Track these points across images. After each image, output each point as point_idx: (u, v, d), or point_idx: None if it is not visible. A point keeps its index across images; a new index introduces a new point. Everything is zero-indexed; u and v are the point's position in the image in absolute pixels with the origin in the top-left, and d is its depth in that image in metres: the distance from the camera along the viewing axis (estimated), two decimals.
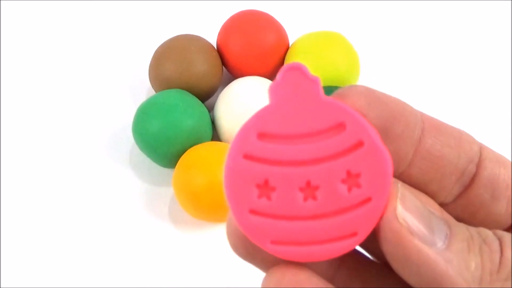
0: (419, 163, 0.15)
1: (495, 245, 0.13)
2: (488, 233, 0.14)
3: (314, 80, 0.14)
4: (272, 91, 0.14)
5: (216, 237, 0.34)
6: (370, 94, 0.14)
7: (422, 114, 0.15)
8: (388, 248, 0.13)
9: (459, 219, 0.15)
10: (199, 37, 0.37)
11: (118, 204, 0.35)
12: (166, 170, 0.36)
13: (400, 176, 0.15)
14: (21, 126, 0.38)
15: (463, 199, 0.15)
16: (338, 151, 0.13)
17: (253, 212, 0.14)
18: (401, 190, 0.13)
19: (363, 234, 0.13)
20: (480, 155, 0.15)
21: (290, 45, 0.39)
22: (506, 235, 0.13)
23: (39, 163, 0.37)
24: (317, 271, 0.14)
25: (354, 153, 0.13)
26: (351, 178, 0.13)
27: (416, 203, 0.13)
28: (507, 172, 0.15)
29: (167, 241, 0.34)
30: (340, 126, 0.14)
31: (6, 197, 0.35)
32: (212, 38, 0.38)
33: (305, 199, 0.14)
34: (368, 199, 0.13)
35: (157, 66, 0.36)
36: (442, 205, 0.15)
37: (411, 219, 0.13)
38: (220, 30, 0.38)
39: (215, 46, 0.38)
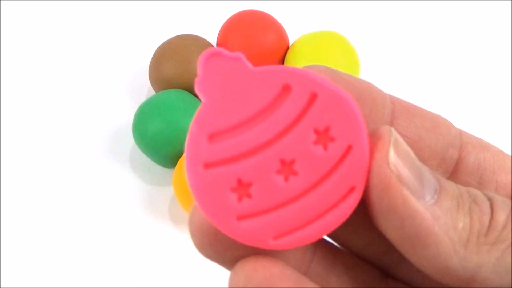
0: None
1: (486, 206, 0.12)
2: (477, 192, 0.13)
3: (236, 58, 0.12)
4: (200, 88, 0.13)
5: None
6: (332, 73, 0.13)
7: (391, 96, 0.14)
8: (373, 196, 0.12)
9: None
10: (199, 37, 0.37)
11: (118, 204, 0.35)
12: (166, 170, 0.36)
13: None
14: (21, 126, 0.38)
15: None
16: (296, 114, 0.12)
17: (240, 218, 0.12)
18: (395, 135, 0.12)
19: (361, 185, 0.12)
20: (461, 140, 0.14)
21: (290, 45, 0.39)
22: (497, 197, 0.13)
23: (39, 163, 0.37)
24: (290, 264, 0.13)
25: (312, 108, 0.12)
26: (322, 135, 0.12)
27: (408, 151, 0.12)
28: (492, 156, 0.14)
29: (167, 241, 0.34)
30: (285, 89, 0.12)
31: (6, 197, 0.35)
32: (212, 38, 0.38)
33: (286, 179, 0.12)
34: (349, 148, 0.12)
35: (157, 66, 0.36)
36: None
37: (402, 167, 0.12)
38: (220, 30, 0.38)
39: (215, 46, 0.38)
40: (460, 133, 0.15)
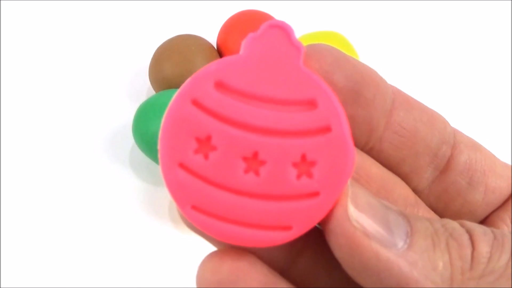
0: (391, 137, 0.13)
1: (465, 239, 0.11)
2: (454, 225, 0.12)
3: (297, 46, 0.12)
4: (247, 43, 0.12)
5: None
6: (337, 53, 0.13)
7: (391, 86, 0.14)
8: (342, 255, 0.11)
9: (433, 209, 0.14)
10: (199, 37, 0.37)
11: (118, 204, 0.35)
12: None
13: (370, 151, 0.14)
14: (21, 126, 0.38)
15: (438, 186, 0.14)
16: (300, 130, 0.12)
17: (183, 166, 0.12)
18: (352, 188, 0.12)
19: (298, 231, 0.12)
20: (455, 138, 0.14)
21: None
22: (476, 227, 0.12)
23: (39, 163, 0.37)
24: (270, 255, 0.13)
25: (317, 137, 0.12)
26: (304, 165, 0.12)
27: (369, 200, 0.12)
28: (483, 157, 0.14)
29: (167, 241, 0.34)
30: (310, 103, 0.12)
31: (6, 197, 0.35)
32: (212, 38, 0.38)
33: (246, 171, 0.12)
34: (316, 194, 0.11)
35: (157, 66, 0.36)
36: (416, 192, 0.14)
37: (365, 220, 0.11)
38: (220, 30, 0.38)
39: (215, 46, 0.38)
40: (454, 131, 0.14)
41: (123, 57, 0.41)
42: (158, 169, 0.36)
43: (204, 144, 0.12)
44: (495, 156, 0.14)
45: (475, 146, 0.14)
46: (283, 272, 0.13)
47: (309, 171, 0.12)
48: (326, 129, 0.12)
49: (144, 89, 0.40)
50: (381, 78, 0.13)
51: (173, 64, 0.35)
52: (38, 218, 0.35)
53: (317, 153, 0.11)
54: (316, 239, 0.14)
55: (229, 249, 0.12)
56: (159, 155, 0.12)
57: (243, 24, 0.37)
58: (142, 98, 0.39)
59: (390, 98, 0.13)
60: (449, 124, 0.14)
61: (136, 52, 0.41)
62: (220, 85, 0.12)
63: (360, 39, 0.40)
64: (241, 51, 0.12)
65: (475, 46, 0.42)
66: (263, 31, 0.12)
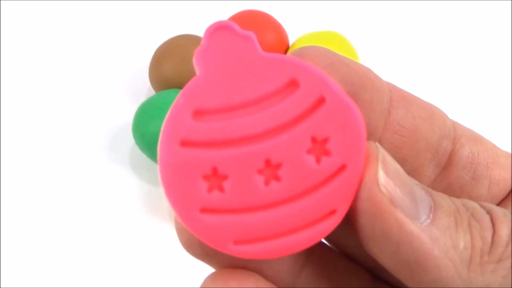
0: (391, 138, 0.13)
1: (486, 220, 0.11)
2: (474, 205, 0.11)
3: (247, 37, 0.11)
4: (200, 59, 0.11)
5: None
6: (332, 55, 0.12)
7: (387, 83, 0.13)
8: (364, 221, 0.11)
9: None
10: (199, 37, 0.37)
11: (118, 204, 0.35)
12: None
13: None
14: (21, 126, 0.38)
15: (442, 183, 0.14)
16: (296, 115, 0.11)
17: (205, 210, 0.11)
18: (382, 152, 0.11)
19: (343, 210, 0.11)
20: (455, 131, 0.14)
21: (290, 45, 0.38)
22: (496, 209, 0.11)
23: (39, 163, 0.37)
24: (277, 273, 0.13)
25: (316, 113, 0.11)
26: (318, 145, 0.11)
27: (397, 169, 0.11)
28: (485, 150, 0.14)
29: (167, 241, 0.34)
30: (292, 84, 0.11)
31: (6, 196, 0.35)
32: None
33: (267, 182, 0.11)
34: (343, 167, 0.11)
35: (157, 66, 0.36)
36: None
37: (393, 187, 0.11)
38: None
39: None
40: (454, 124, 0.14)
41: (123, 57, 0.41)
42: (158, 169, 0.36)
43: (214, 178, 0.11)
44: (496, 147, 0.14)
45: (476, 139, 0.14)
46: None
47: (325, 149, 0.11)
48: (320, 101, 0.11)
49: (144, 89, 0.40)
50: (376, 76, 0.13)
51: (173, 64, 0.35)
52: (38, 218, 0.35)
53: (324, 129, 0.11)
54: (318, 253, 0.14)
55: (232, 270, 0.12)
56: (174, 211, 0.11)
57: (243, 24, 0.37)
58: (142, 98, 0.39)
59: (387, 97, 0.13)
60: (448, 117, 0.14)
61: (136, 52, 0.41)
62: (199, 114, 0.11)
63: (360, 39, 0.40)
64: (197, 71, 0.11)
65: (475, 46, 0.42)
66: (207, 39, 0.11)
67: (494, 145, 0.14)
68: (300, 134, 0.11)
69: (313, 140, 0.11)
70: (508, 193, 0.14)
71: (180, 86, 0.35)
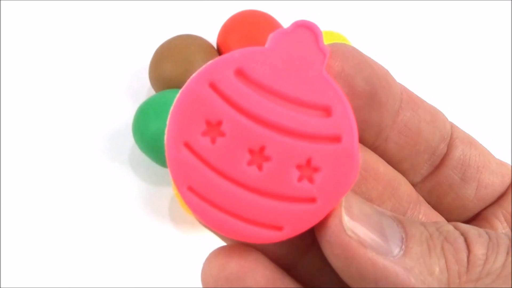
0: (396, 137, 0.14)
1: (460, 242, 0.11)
2: (449, 228, 0.12)
3: (323, 51, 0.12)
4: (274, 38, 0.12)
5: (216, 237, 0.33)
6: (359, 56, 0.13)
7: (400, 85, 0.14)
8: (338, 264, 0.12)
9: None
10: (199, 37, 0.37)
11: (118, 204, 0.35)
12: (166, 170, 0.36)
13: (375, 150, 0.14)
14: (21, 126, 0.38)
15: (432, 180, 0.14)
16: (310, 134, 0.12)
17: (187, 146, 0.12)
18: (345, 198, 0.12)
19: (288, 233, 0.12)
20: (451, 134, 0.14)
21: None
22: (471, 230, 0.12)
23: (39, 163, 0.37)
24: (276, 253, 0.13)
25: (326, 145, 0.12)
26: (308, 169, 0.12)
27: (363, 208, 0.12)
28: (478, 153, 0.14)
29: (167, 241, 0.34)
30: (325, 110, 0.12)
31: (6, 196, 0.35)
32: (212, 38, 0.38)
33: (250, 164, 0.12)
34: (313, 200, 0.12)
35: (157, 66, 0.36)
36: (411, 183, 0.14)
37: (360, 229, 0.11)
38: (220, 30, 0.38)
39: (215, 46, 0.38)
40: (452, 126, 0.14)
41: (123, 57, 0.41)
42: (158, 169, 0.36)
43: (214, 128, 0.12)
44: (490, 153, 0.15)
45: (471, 142, 0.14)
46: (289, 269, 0.13)
47: (311, 176, 0.12)
48: (337, 139, 0.12)
49: (144, 89, 0.40)
50: (392, 78, 0.13)
51: (173, 64, 0.35)
52: (38, 218, 0.35)
53: (323, 160, 0.11)
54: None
55: (235, 245, 0.12)
56: (166, 131, 0.12)
57: (243, 24, 0.37)
58: (142, 98, 0.39)
59: (399, 99, 0.13)
60: (448, 120, 0.14)
61: (136, 52, 0.41)
62: (240, 74, 0.12)
63: (360, 39, 0.40)
64: (267, 44, 0.12)
65: (475, 45, 0.42)
66: (292, 28, 0.12)
67: (489, 152, 0.15)
68: (302, 148, 0.12)
69: (308, 161, 0.12)
70: (497, 197, 0.14)
71: (180, 86, 0.35)
